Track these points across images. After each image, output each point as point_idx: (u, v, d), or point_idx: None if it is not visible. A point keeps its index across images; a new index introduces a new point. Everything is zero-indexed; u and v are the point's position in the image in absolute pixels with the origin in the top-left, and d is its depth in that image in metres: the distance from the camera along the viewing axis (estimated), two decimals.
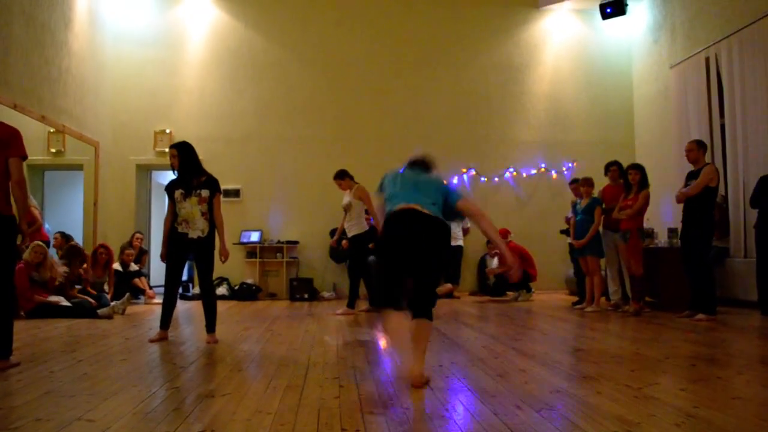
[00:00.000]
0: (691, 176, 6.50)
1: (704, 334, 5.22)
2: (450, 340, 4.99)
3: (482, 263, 10.01)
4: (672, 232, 7.54)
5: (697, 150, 6.49)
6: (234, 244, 9.41)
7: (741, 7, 7.91)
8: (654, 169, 8.73)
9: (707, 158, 7.93)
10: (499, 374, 3.52)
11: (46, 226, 8.67)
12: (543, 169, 10.52)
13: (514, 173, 10.46)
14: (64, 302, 6.89)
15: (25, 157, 3.93)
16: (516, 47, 10.76)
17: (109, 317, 6.74)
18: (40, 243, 6.88)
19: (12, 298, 3.92)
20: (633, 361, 3.96)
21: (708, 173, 6.28)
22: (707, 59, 8.59)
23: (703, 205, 6.30)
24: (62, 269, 7.19)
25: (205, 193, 5.05)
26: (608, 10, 10.31)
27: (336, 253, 9.37)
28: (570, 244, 7.99)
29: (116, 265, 8.45)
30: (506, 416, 2.62)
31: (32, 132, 7.98)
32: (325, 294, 9.70)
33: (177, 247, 5.06)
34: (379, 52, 10.52)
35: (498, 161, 10.48)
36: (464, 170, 10.40)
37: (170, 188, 5.12)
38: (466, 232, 9.90)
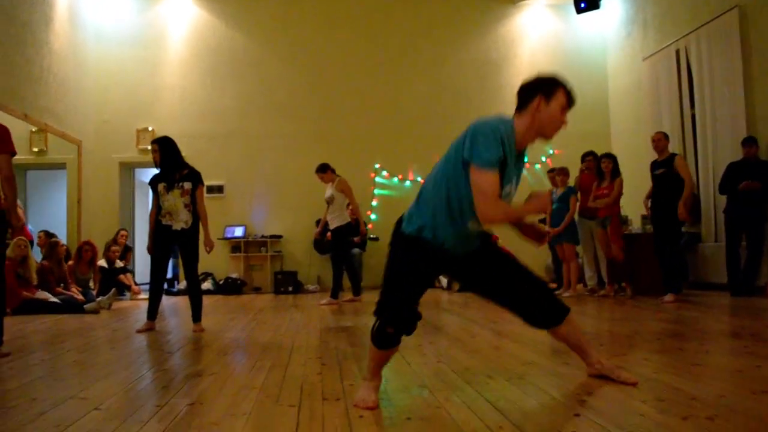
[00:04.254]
0: (656, 166, 6.81)
1: (673, 313, 5.45)
2: (431, 324, 5.15)
3: None
4: (645, 218, 7.77)
5: (664, 139, 6.81)
6: (218, 239, 9.50)
7: (708, 2, 8.14)
8: (629, 159, 8.97)
9: (678, 148, 8.26)
10: (474, 351, 3.69)
11: (29, 226, 8.72)
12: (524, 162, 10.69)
13: None
14: (51, 298, 6.98)
15: (14, 153, 4.05)
16: (493, 42, 10.94)
17: (95, 312, 6.83)
18: (23, 238, 6.95)
19: (2, 291, 4.02)
20: (604, 338, 4.16)
21: (686, 166, 6.77)
22: (677, 51, 8.81)
23: (674, 191, 6.59)
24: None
25: (187, 185, 5.18)
26: (582, 5, 10.52)
27: (320, 245, 9.53)
28: (547, 232, 8.19)
29: (101, 262, 8.53)
30: (478, 385, 2.78)
31: (14, 131, 7.88)
32: (309, 287, 9.85)
33: (162, 238, 5.19)
34: (358, 49, 10.66)
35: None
36: None
37: (153, 182, 5.26)
38: None
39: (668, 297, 6.38)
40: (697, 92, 8.35)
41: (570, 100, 2.51)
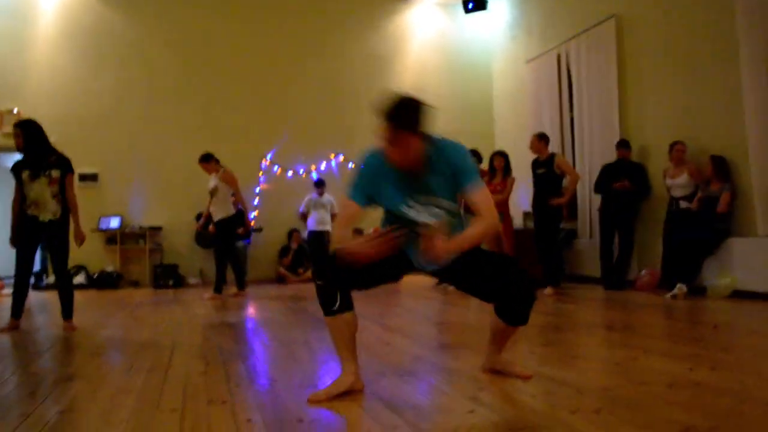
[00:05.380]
0: (537, 165, 7.14)
1: (552, 306, 5.67)
2: (319, 319, 5.06)
3: None
4: (527, 215, 8.07)
5: (537, 142, 7.13)
6: (92, 230, 8.93)
7: (587, 10, 8.53)
8: (511, 158, 9.27)
9: (557, 148, 8.61)
10: (364, 347, 3.64)
11: None
12: None
13: None
14: None
15: None
16: (382, 38, 10.98)
17: None
18: None
19: None
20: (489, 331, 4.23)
21: (567, 163, 7.38)
22: (558, 56, 9.20)
23: (554, 190, 6.91)
24: None
25: (55, 173, 4.79)
26: (470, 5, 10.77)
27: (202, 238, 9.18)
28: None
29: None
30: (370, 383, 2.73)
31: None
32: (192, 280, 9.47)
33: (28, 231, 4.77)
34: (248, 38, 10.34)
35: (367, 148, 10.64)
36: (332, 155, 10.51)
37: (16, 169, 4.83)
38: (333, 217, 10.01)
39: (548, 290, 6.65)
40: (576, 96, 8.75)
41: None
